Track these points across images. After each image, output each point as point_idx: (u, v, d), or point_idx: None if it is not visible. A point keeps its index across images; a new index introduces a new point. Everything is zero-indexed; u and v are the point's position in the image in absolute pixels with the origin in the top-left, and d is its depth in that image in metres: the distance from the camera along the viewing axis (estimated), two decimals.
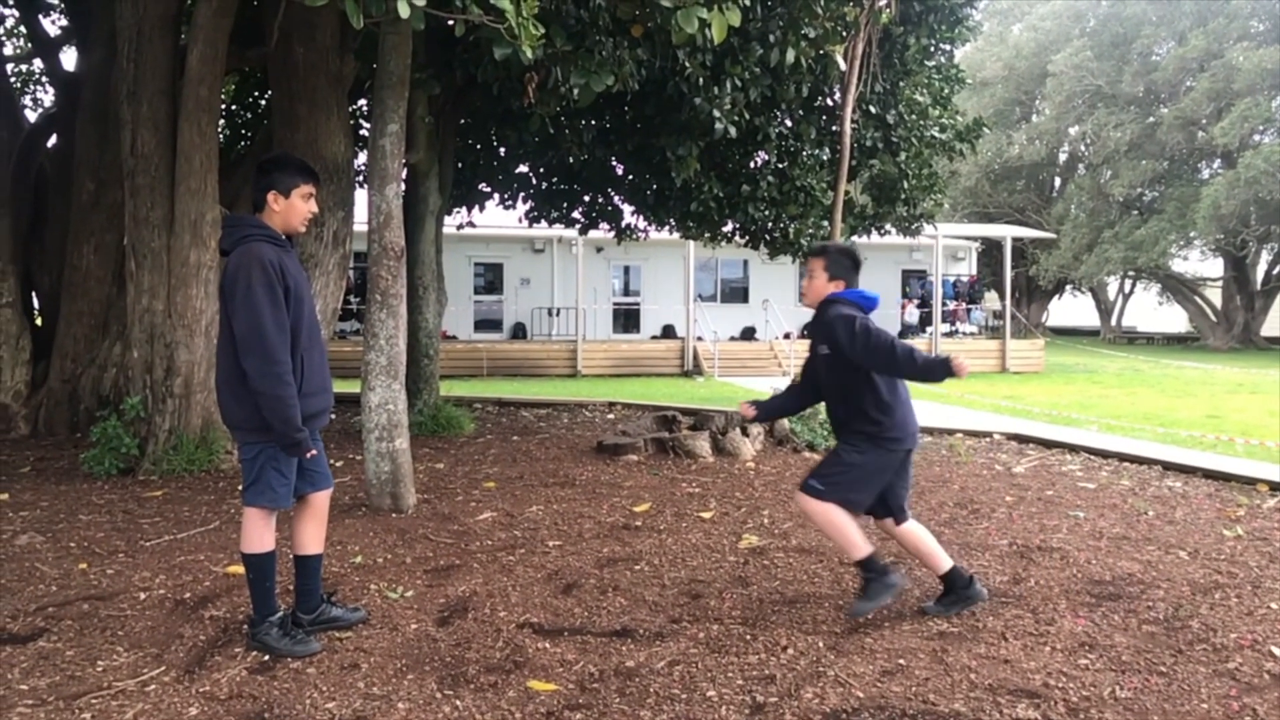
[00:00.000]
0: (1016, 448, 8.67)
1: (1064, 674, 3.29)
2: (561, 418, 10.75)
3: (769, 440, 8.50)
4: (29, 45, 12.47)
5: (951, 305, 23.53)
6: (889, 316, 22.79)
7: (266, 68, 8.34)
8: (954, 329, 23.44)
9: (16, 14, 10.99)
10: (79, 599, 4.00)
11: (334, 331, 9.00)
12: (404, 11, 4.23)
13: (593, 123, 9.47)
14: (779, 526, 5.42)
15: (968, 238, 25.70)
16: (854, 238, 11.39)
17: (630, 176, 10.56)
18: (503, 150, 11.07)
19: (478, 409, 11.29)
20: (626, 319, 24.33)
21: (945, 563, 3.93)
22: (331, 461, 4.20)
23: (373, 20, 4.62)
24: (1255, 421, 10.94)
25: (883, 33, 8.75)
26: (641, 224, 11.88)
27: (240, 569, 4.10)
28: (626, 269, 24.26)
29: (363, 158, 9.38)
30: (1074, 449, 8.35)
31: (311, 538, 3.61)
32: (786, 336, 21.49)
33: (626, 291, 24.49)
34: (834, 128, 9.41)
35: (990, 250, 30.07)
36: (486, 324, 23.23)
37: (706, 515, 5.73)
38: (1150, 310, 40.81)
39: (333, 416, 9.81)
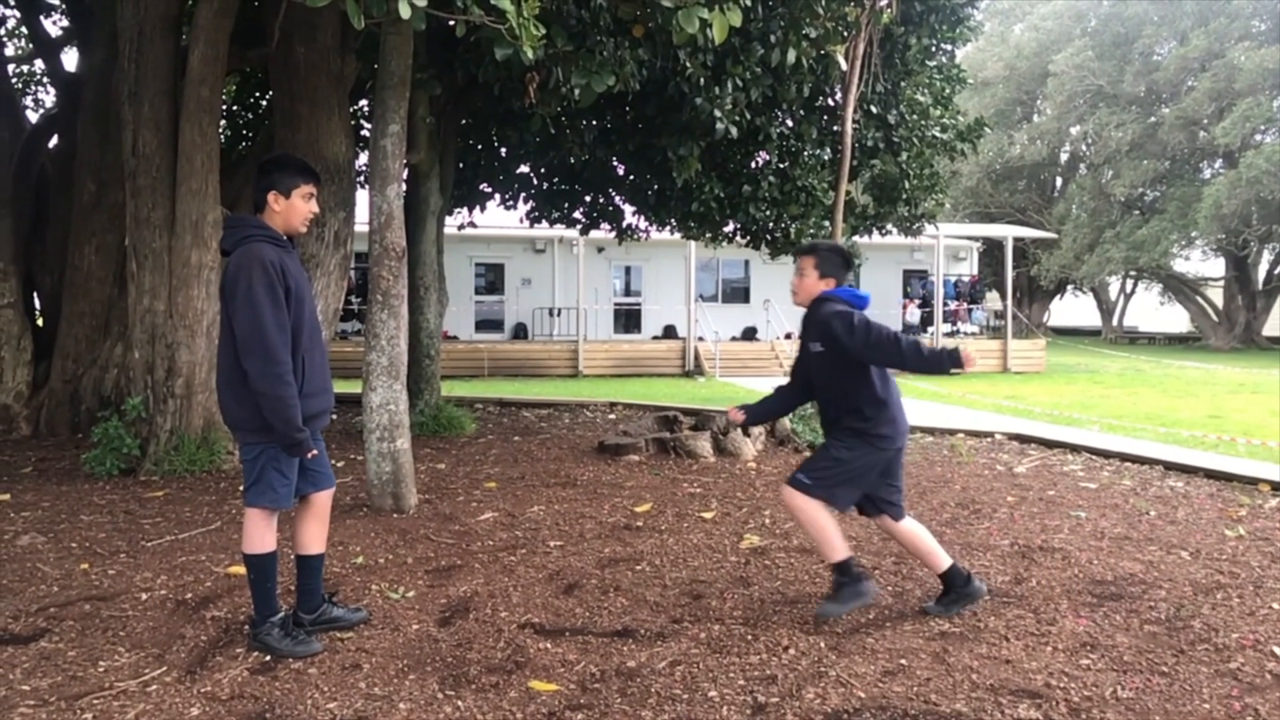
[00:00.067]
0: (1018, 448, 8.66)
1: (1065, 674, 3.29)
2: (563, 418, 10.75)
3: (770, 440, 8.49)
4: (30, 46, 12.48)
5: (953, 305, 23.53)
6: (890, 316, 22.78)
7: (268, 68, 8.34)
8: (955, 329, 23.43)
9: (18, 15, 11.00)
10: (80, 599, 4.00)
11: (335, 332, 9.01)
12: (405, 12, 4.23)
13: (594, 123, 9.47)
14: (780, 526, 5.42)
15: (969, 238, 25.70)
16: (855, 238, 11.40)
17: (631, 177, 10.56)
18: (504, 150, 11.07)
19: (479, 409, 11.30)
20: (628, 319, 24.33)
21: (944, 561, 3.93)
22: (333, 462, 4.21)
23: (374, 21, 4.62)
24: (1257, 421, 10.93)
25: (884, 33, 8.75)
26: (643, 224, 11.88)
27: (241, 569, 4.10)
28: (628, 269, 24.26)
29: (364, 158, 9.37)
30: (1075, 449, 8.34)
31: (313, 537, 3.61)
32: (788, 336, 21.49)
33: (628, 292, 24.49)
34: (835, 128, 9.41)
35: (991, 250, 30.05)
36: (488, 324, 23.24)
37: (708, 515, 5.72)
38: (1152, 310, 40.79)
39: (333, 416, 9.82)
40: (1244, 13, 28.32)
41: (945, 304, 22.78)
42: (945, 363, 3.62)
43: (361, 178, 9.62)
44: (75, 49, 10.15)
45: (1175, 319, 40.70)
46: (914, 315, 23.62)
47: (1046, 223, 33.79)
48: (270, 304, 3.25)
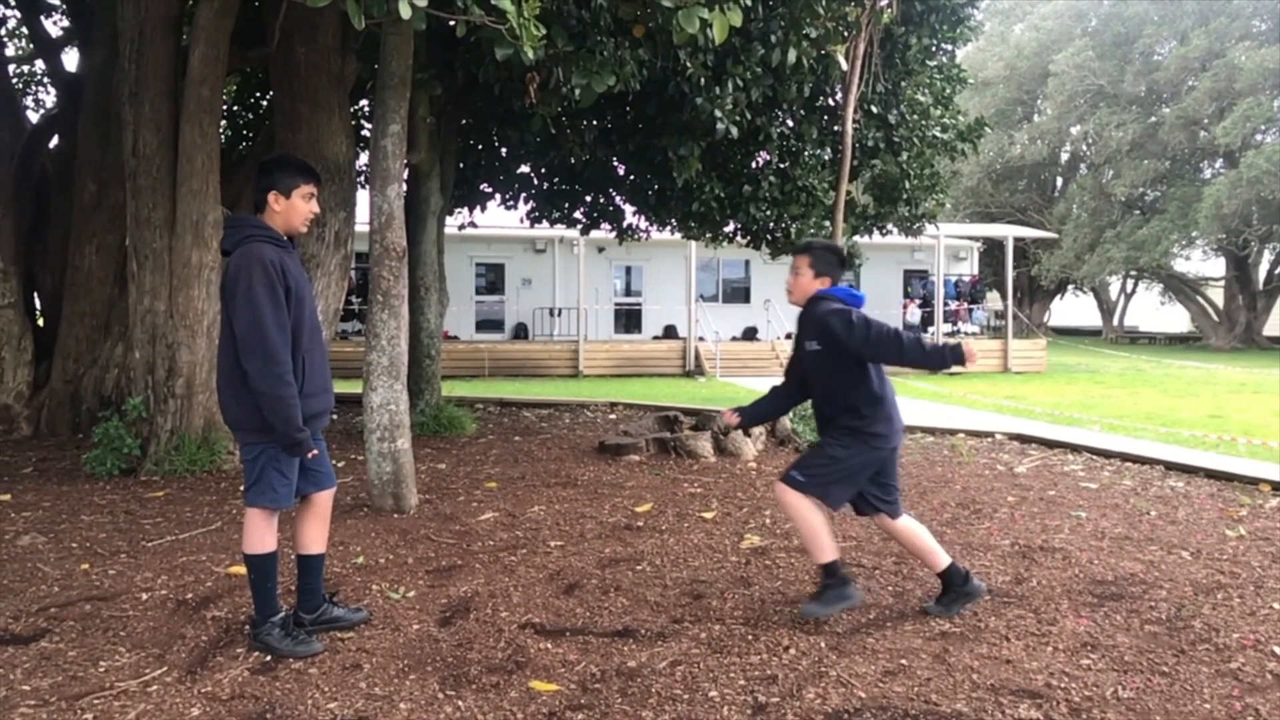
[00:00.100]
0: (1018, 448, 8.66)
1: (1066, 674, 3.29)
2: (563, 418, 10.75)
3: (771, 440, 8.49)
4: (31, 46, 12.48)
5: (953, 305, 23.53)
6: (891, 316, 22.78)
7: (268, 68, 8.34)
8: (956, 329, 23.43)
9: (18, 15, 11.00)
10: (81, 599, 4.00)
11: (336, 332, 9.01)
12: (405, 12, 4.23)
13: (594, 123, 9.46)
14: (781, 526, 5.42)
15: (969, 238, 25.70)
16: (856, 237, 11.40)
17: (632, 177, 10.56)
18: (504, 150, 11.07)
19: (479, 409, 11.30)
20: (628, 319, 24.33)
21: (942, 560, 3.93)
22: (333, 462, 4.21)
23: (374, 21, 4.62)
24: (1258, 421, 10.93)
25: (884, 33, 8.74)
26: (643, 224, 11.88)
27: (242, 569, 4.11)
28: (628, 269, 24.26)
29: (364, 158, 9.38)
30: (1076, 449, 8.34)
31: (314, 537, 3.61)
32: (788, 337, 21.48)
33: (628, 292, 24.49)
34: (836, 128, 9.41)
35: (992, 250, 30.05)
36: (488, 324, 23.24)
37: (708, 515, 5.72)
38: (1152, 310, 40.79)
39: (334, 416, 9.81)
40: (1244, 12, 28.32)
41: (946, 304, 22.78)
42: (947, 358, 3.62)
43: (362, 178, 9.63)
44: (76, 49, 10.15)
45: (1176, 319, 40.71)
46: (914, 315, 23.61)
47: (1047, 223, 33.79)
48: (270, 304, 3.25)
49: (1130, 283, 37.74)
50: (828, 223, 9.79)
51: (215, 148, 7.05)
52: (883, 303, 22.76)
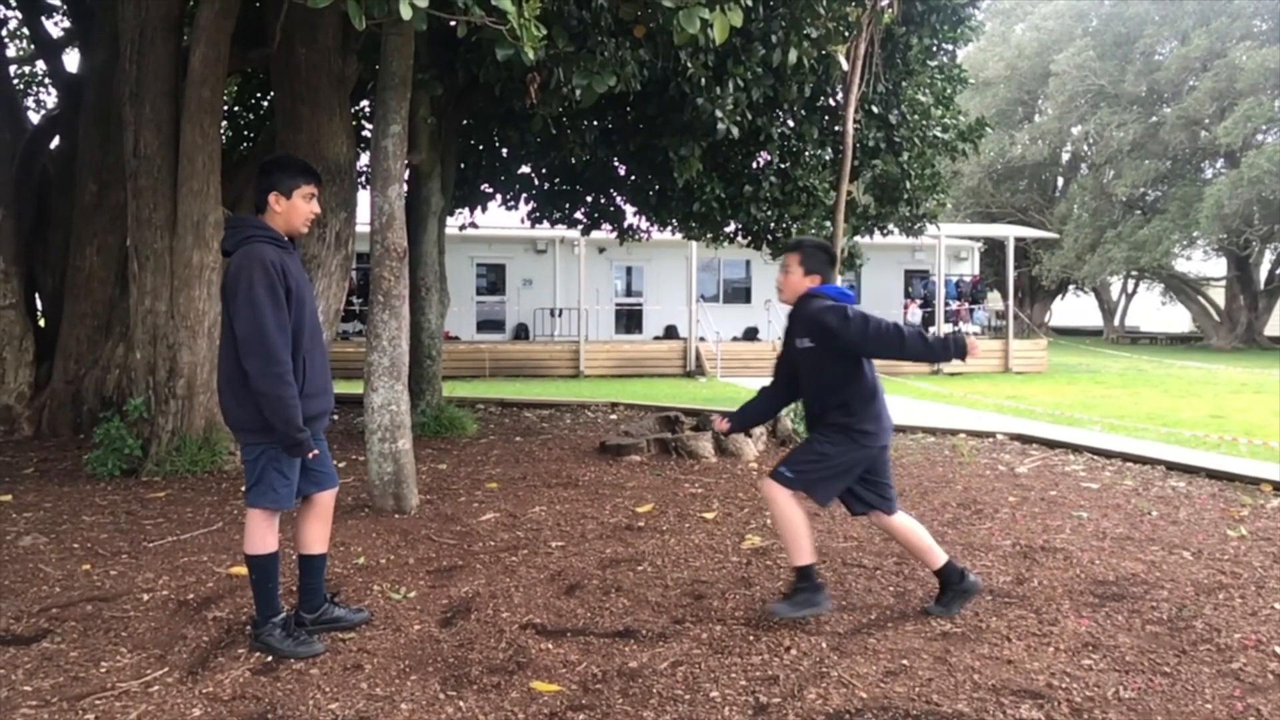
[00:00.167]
0: (1019, 448, 8.65)
1: (1067, 674, 3.29)
2: (564, 418, 10.75)
3: (772, 440, 8.49)
4: (31, 47, 12.50)
5: (954, 305, 23.52)
6: (892, 317, 22.71)
7: (269, 69, 8.34)
8: (957, 329, 23.42)
9: (19, 16, 11.01)
10: (82, 600, 4.00)
11: (337, 332, 9.02)
12: (406, 13, 4.23)
13: (595, 123, 9.47)
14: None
15: (970, 238, 25.69)
16: (856, 237, 11.40)
17: (632, 177, 10.56)
18: (505, 151, 11.08)
19: (480, 410, 11.30)
20: (629, 319, 24.33)
21: (939, 558, 3.93)
22: (334, 462, 4.21)
23: (375, 21, 4.62)
24: (1259, 421, 10.93)
25: (885, 33, 8.74)
26: (644, 224, 11.88)
27: (243, 570, 4.11)
28: (629, 269, 24.26)
29: (365, 159, 9.38)
30: (1077, 449, 8.33)
31: (315, 537, 3.61)
32: None
33: (629, 292, 24.49)
34: (836, 128, 9.41)
35: (993, 250, 30.04)
36: (489, 325, 23.25)
37: (709, 516, 5.72)
38: (1153, 310, 40.78)
39: (334, 417, 9.82)
40: (1245, 12, 28.32)
41: (947, 304, 22.78)
42: (950, 349, 3.62)
43: (363, 178, 9.63)
44: (76, 50, 10.16)
45: (1177, 319, 40.70)
46: (915, 315, 23.61)
47: (1048, 223, 33.79)
48: (271, 304, 3.25)
49: (1131, 283, 37.73)
50: (828, 223, 9.78)
51: (216, 148, 7.05)
52: (884, 303, 22.75)
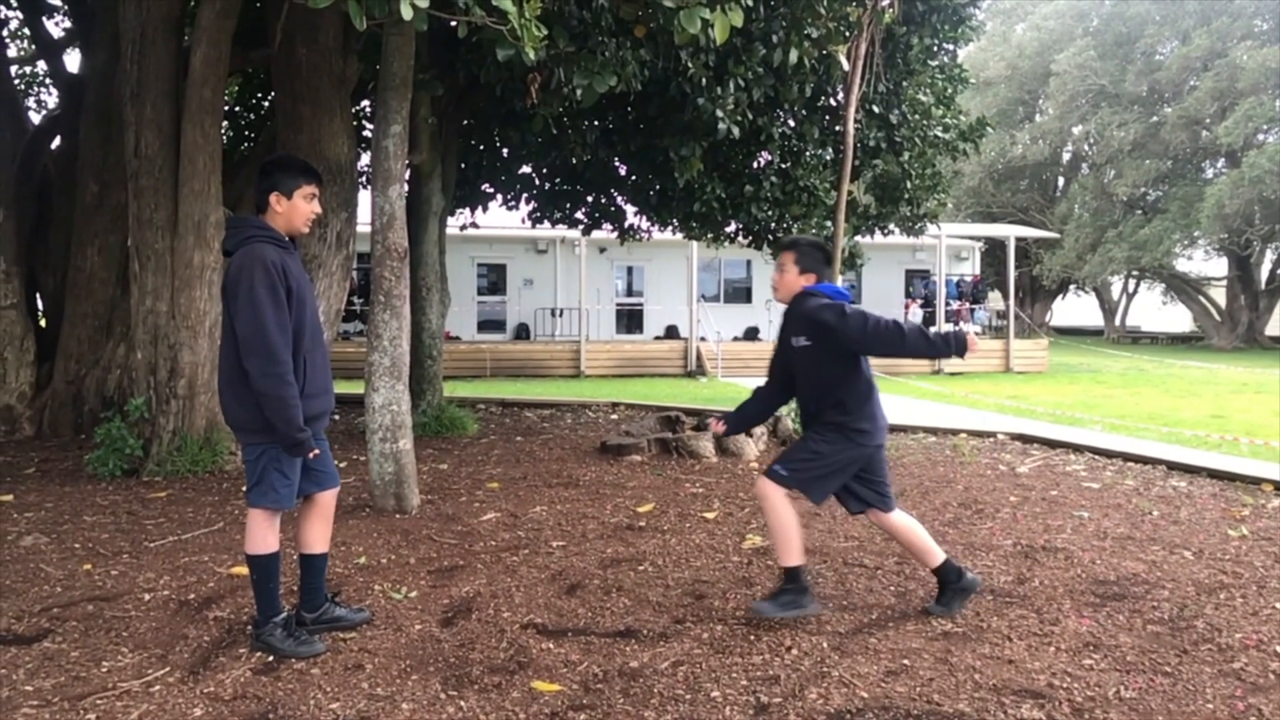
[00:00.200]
0: (1020, 448, 8.65)
1: (1069, 674, 3.29)
2: (565, 418, 10.75)
3: (773, 440, 8.49)
4: (33, 47, 12.50)
5: (955, 305, 23.52)
6: (892, 316, 22.75)
7: (270, 69, 8.35)
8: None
9: (20, 16, 11.01)
10: (83, 600, 4.00)
11: (338, 333, 9.02)
12: (407, 13, 4.23)
13: (595, 123, 9.47)
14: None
15: (971, 237, 25.69)
16: (857, 237, 11.40)
17: (633, 177, 10.56)
18: (506, 151, 11.08)
19: (481, 410, 11.30)
20: (630, 319, 24.33)
21: (937, 557, 3.92)
22: (336, 462, 4.21)
23: (375, 22, 4.62)
24: (1260, 421, 10.92)
25: (886, 32, 8.74)
26: (644, 224, 11.88)
27: (244, 570, 4.11)
28: (629, 269, 24.26)
29: (366, 159, 9.39)
30: (1078, 449, 8.33)
31: (317, 537, 3.61)
32: None
33: (629, 292, 24.49)
34: (837, 128, 9.41)
35: (994, 250, 30.03)
36: (490, 325, 23.25)
37: (710, 515, 5.72)
38: (1154, 310, 40.77)
39: (335, 417, 9.82)
40: (1246, 12, 28.30)
41: (947, 304, 22.77)
42: (951, 345, 3.62)
43: (364, 178, 9.64)
44: (77, 50, 10.16)
45: (1178, 319, 40.68)
46: (916, 315, 23.62)
47: (1049, 222, 33.78)
48: (272, 305, 3.25)
49: (1132, 283, 37.72)
50: (829, 223, 9.79)
51: (217, 149, 7.05)
52: (885, 302, 22.75)
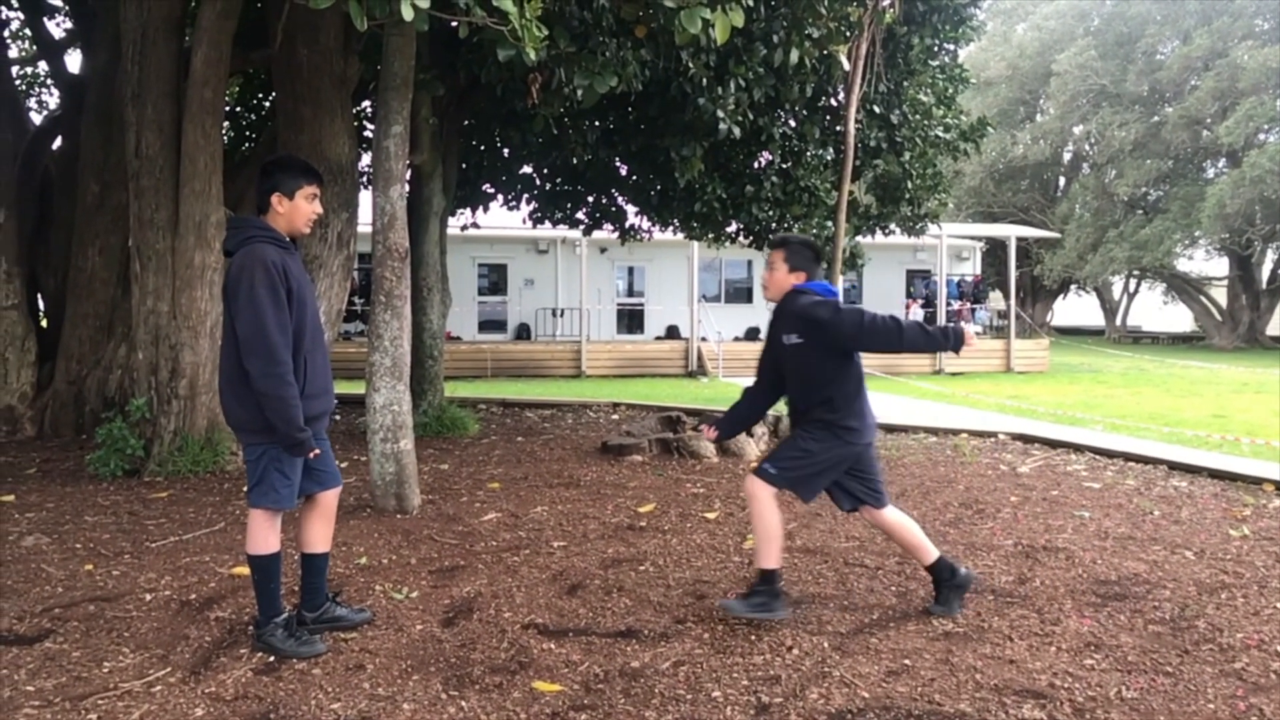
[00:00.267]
0: (1021, 447, 8.65)
1: (1070, 674, 3.28)
2: (566, 418, 10.76)
3: (773, 441, 8.49)
4: (34, 48, 12.51)
5: (956, 305, 23.51)
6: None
7: (270, 69, 8.35)
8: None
9: (21, 16, 11.02)
10: (85, 600, 4.01)
11: (339, 333, 9.02)
12: (408, 14, 4.23)
13: (596, 123, 9.47)
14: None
15: (972, 237, 25.68)
16: (858, 237, 11.40)
17: (634, 177, 10.56)
18: (506, 151, 11.08)
19: (482, 410, 11.30)
20: (630, 319, 24.33)
21: (931, 554, 3.92)
22: (337, 462, 4.21)
23: (376, 22, 4.62)
24: (1261, 421, 10.91)
25: (886, 33, 8.74)
26: (645, 224, 11.88)
27: (245, 570, 4.11)
28: (630, 269, 24.26)
29: (367, 159, 9.39)
30: (1079, 449, 8.33)
31: (318, 536, 3.61)
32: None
33: (630, 292, 24.49)
34: (838, 128, 9.41)
35: (995, 250, 30.03)
36: (491, 325, 23.25)
37: (711, 516, 5.72)
38: (1155, 310, 40.75)
39: (336, 417, 9.83)
40: (1247, 12, 28.29)
41: (948, 304, 22.76)
42: (950, 338, 3.62)
43: (364, 179, 9.64)
44: (79, 51, 10.16)
45: (1179, 318, 40.67)
46: (917, 315, 23.61)
47: (1050, 222, 33.77)
48: (272, 305, 3.25)
49: (1133, 282, 37.70)
50: (830, 223, 9.79)
51: (218, 149, 7.06)
52: (886, 303, 22.73)
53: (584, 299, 20.37)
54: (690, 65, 7.32)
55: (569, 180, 11.24)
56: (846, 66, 8.06)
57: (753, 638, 3.61)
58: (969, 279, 24.88)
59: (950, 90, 10.60)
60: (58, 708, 2.98)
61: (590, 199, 11.52)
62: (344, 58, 7.48)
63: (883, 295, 23.80)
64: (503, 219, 14.93)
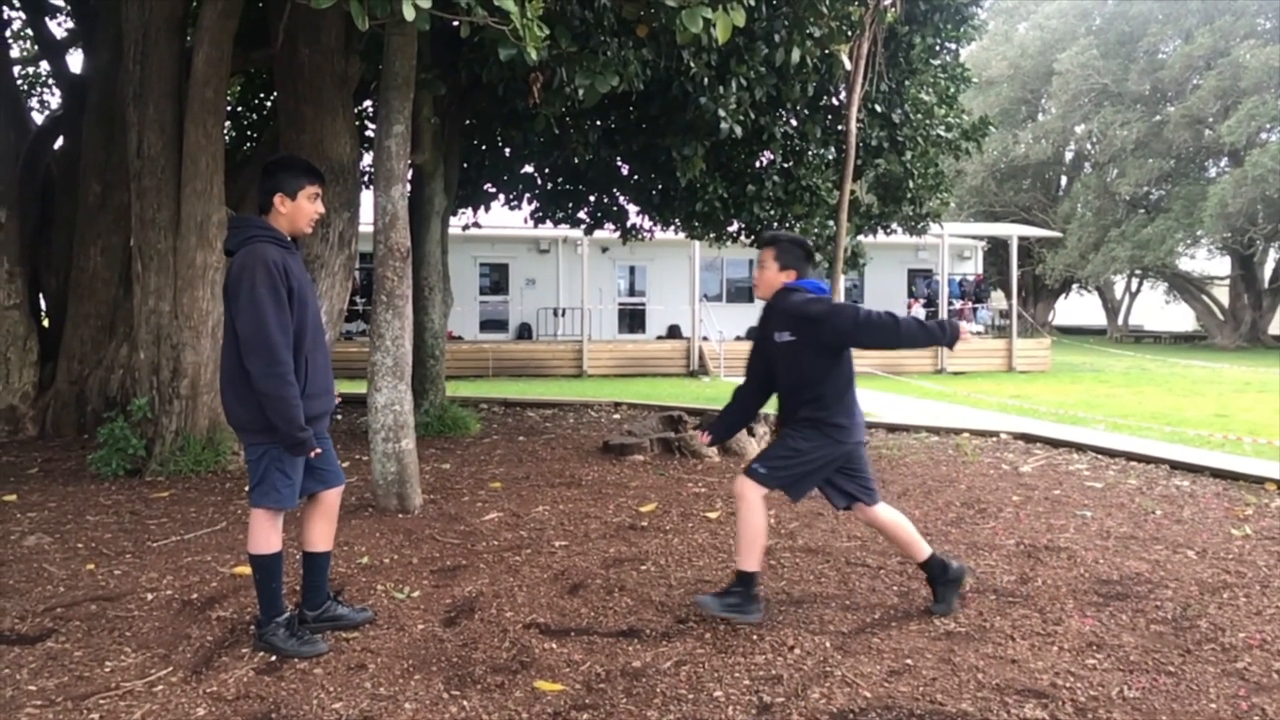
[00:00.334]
0: (1023, 447, 8.64)
1: (1072, 674, 3.28)
2: (567, 418, 10.76)
3: (775, 440, 8.48)
4: (35, 48, 12.52)
5: (958, 304, 23.49)
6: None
7: (272, 69, 8.35)
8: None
9: (23, 17, 11.03)
10: (87, 600, 4.01)
11: (340, 332, 9.02)
12: (409, 13, 4.23)
13: (598, 123, 9.47)
14: (785, 526, 5.41)
15: (974, 237, 25.66)
16: (860, 237, 11.39)
17: (635, 176, 10.56)
18: (508, 151, 11.08)
19: (483, 409, 11.31)
20: (632, 319, 24.32)
21: (923, 551, 3.92)
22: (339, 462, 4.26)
23: (378, 22, 4.63)
24: (1263, 420, 10.90)
25: (888, 32, 8.73)
26: (647, 224, 11.88)
27: (247, 570, 4.11)
28: (632, 269, 24.25)
29: (368, 159, 9.39)
30: (1081, 448, 8.32)
31: (320, 535, 3.62)
32: None
33: (632, 291, 24.48)
34: (839, 127, 9.40)
35: (996, 249, 30.01)
36: (492, 324, 23.26)
37: (712, 515, 5.72)
38: (1157, 309, 40.68)
39: (338, 417, 9.83)
40: (1249, 10, 28.25)
41: (950, 303, 22.74)
42: (947, 331, 3.64)
43: (366, 178, 9.64)
44: (80, 51, 10.17)
45: (1180, 318, 40.62)
46: (919, 314, 23.58)
47: (1051, 222, 33.74)
48: (273, 304, 3.25)
49: (1135, 282, 37.64)
50: (832, 222, 9.78)
51: (219, 149, 7.06)
52: (887, 302, 22.69)
53: (585, 298, 20.37)
54: (692, 64, 7.32)
55: (570, 180, 11.23)
56: (848, 66, 8.05)
57: (754, 637, 3.61)
58: (971, 278, 24.87)
59: (952, 89, 10.59)
60: (60, 707, 2.98)
61: (592, 198, 11.51)
62: (345, 57, 7.48)
63: (884, 295, 23.79)
64: (504, 218, 14.93)
